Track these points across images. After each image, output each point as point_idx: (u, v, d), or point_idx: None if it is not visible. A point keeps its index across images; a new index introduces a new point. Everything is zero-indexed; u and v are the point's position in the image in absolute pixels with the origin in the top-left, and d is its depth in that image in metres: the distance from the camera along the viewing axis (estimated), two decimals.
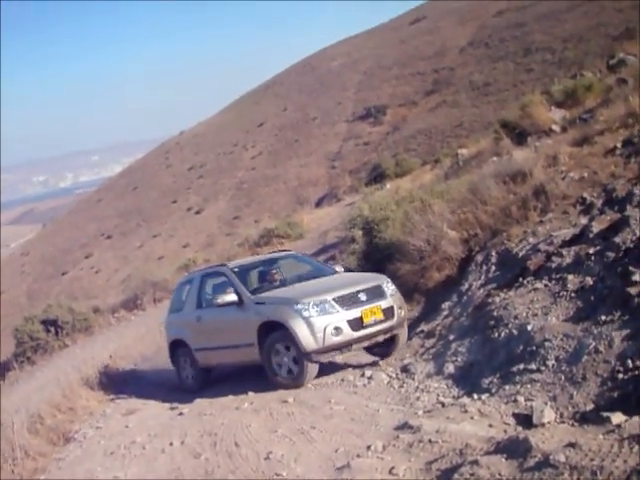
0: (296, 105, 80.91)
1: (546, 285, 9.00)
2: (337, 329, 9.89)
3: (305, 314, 9.87)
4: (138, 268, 42.29)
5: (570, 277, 8.72)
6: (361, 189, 34.26)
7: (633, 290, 7.50)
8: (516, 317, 8.62)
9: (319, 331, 9.81)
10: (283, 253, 13.93)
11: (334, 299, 10.08)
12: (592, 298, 8.04)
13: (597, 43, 46.77)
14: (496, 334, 8.69)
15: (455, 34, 69.33)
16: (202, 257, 33.68)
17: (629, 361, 6.59)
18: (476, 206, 12.41)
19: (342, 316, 9.98)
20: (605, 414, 6.03)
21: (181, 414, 10.53)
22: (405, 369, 9.72)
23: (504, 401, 7.36)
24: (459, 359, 9.02)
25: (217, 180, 73.50)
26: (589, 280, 8.38)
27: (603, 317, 7.48)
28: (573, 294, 8.37)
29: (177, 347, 12.90)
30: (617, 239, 8.68)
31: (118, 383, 14.21)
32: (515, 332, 8.38)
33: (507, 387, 7.62)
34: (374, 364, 10.64)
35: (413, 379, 9.28)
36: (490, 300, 9.59)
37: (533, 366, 7.57)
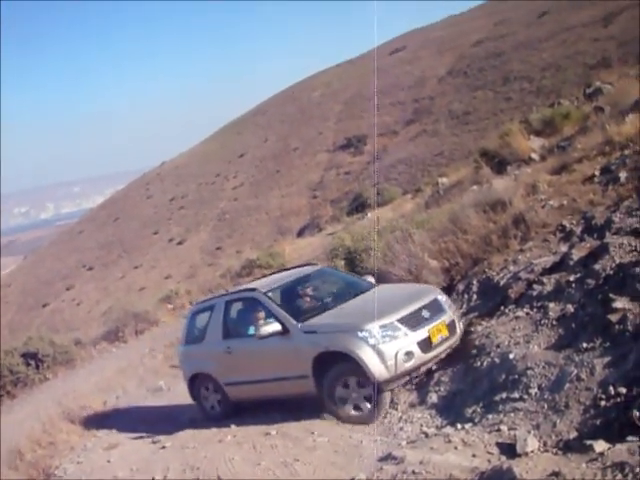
0: (278, 135, 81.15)
1: (527, 313, 9.04)
2: (408, 354, 8.95)
3: (372, 342, 8.89)
4: (119, 299, 42.06)
5: (551, 305, 8.76)
6: (343, 219, 34.37)
7: (614, 317, 7.54)
8: (498, 346, 8.64)
9: (390, 359, 8.84)
10: (311, 268, 12.52)
11: (398, 320, 9.16)
12: (573, 326, 8.07)
13: (574, 72, 47.30)
14: (479, 363, 8.70)
15: (434, 64, 69.93)
16: (184, 288, 33.56)
17: (611, 388, 6.61)
18: (457, 235, 12.46)
19: (411, 339, 9.07)
20: (588, 442, 6.03)
21: (163, 447, 10.42)
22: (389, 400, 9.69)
23: (487, 430, 7.34)
24: (442, 389, 9.01)
25: (199, 211, 73.45)
26: (570, 308, 8.42)
27: (584, 344, 7.51)
28: (554, 322, 8.41)
29: (196, 379, 11.85)
30: (597, 266, 8.74)
31: (100, 417, 14.06)
32: (497, 361, 8.39)
33: (490, 416, 7.61)
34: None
35: (396, 409, 9.24)
36: (472, 329, 9.61)
37: (516, 395, 7.57)
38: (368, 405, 9.11)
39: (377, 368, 8.83)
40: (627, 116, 14.43)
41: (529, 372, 7.67)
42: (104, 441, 12.05)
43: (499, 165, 17.54)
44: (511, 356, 8.18)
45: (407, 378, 9.32)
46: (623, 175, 11.40)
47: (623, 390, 6.46)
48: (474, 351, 9.00)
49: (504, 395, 7.72)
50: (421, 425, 8.40)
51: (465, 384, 8.68)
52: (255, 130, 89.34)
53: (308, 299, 11.09)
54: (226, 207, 70.20)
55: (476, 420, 7.76)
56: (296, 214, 58.47)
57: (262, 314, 10.61)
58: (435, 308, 9.64)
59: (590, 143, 14.11)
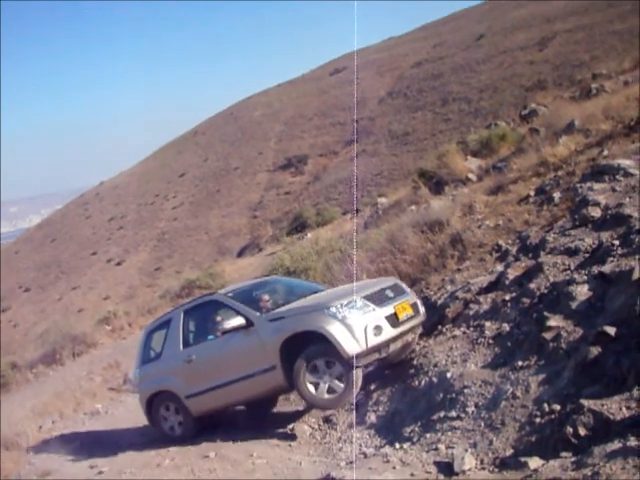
0: (218, 155, 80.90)
1: (464, 332, 9.14)
2: (377, 328, 8.85)
3: (340, 317, 8.80)
4: (57, 321, 41.26)
5: (487, 324, 8.88)
6: (282, 239, 34.33)
7: (548, 335, 7.66)
8: (436, 365, 8.70)
9: (360, 332, 8.72)
10: (269, 278, 12.76)
11: (364, 297, 9.15)
12: (509, 344, 8.18)
13: (511, 93, 48.19)
14: (417, 382, 8.74)
15: (374, 85, 70.47)
16: (123, 309, 33.12)
17: (545, 405, 6.70)
18: (395, 255, 12.55)
19: (378, 314, 9.00)
20: (523, 459, 6.11)
21: (100, 472, 10.20)
22: (327, 420, 9.65)
23: (425, 449, 7.38)
24: (381, 408, 9.02)
25: (138, 231, 72.75)
26: (506, 326, 8.55)
27: (520, 362, 7.62)
28: (491, 340, 8.52)
29: (153, 400, 11.10)
30: (532, 285, 8.89)
31: (35, 442, 13.76)
32: (435, 380, 8.45)
33: (428, 435, 7.65)
34: (296, 416, 10.56)
35: (335, 430, 9.25)
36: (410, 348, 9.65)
37: (453, 413, 7.63)
38: (341, 385, 8.94)
39: (348, 343, 8.70)
40: (561, 138, 14.72)
41: (466, 391, 7.74)
42: (39, 468, 11.73)
43: (437, 185, 17.74)
44: (448, 375, 8.25)
45: (376, 355, 9.07)
46: (557, 195, 11.64)
47: (557, 407, 6.56)
48: (412, 370, 9.04)
49: (442, 414, 7.77)
50: (360, 445, 8.41)
51: (403, 404, 8.72)
52: (195, 150, 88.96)
53: (268, 299, 10.77)
54: (166, 227, 69.67)
55: (414, 439, 7.79)
56: (236, 234, 58.31)
57: (222, 317, 10.39)
58: (397, 290, 9.77)
59: (525, 164, 14.36)
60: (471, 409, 7.48)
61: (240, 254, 48.70)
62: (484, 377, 7.78)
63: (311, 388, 9.09)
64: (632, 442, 5.30)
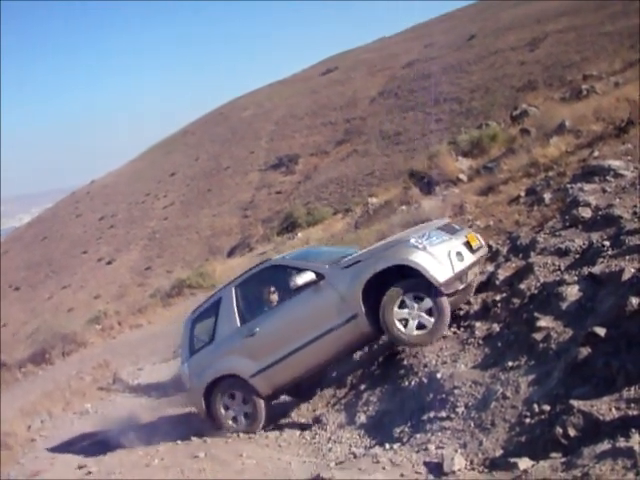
0: (208, 154, 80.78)
1: (455, 333, 9.15)
2: (459, 254, 8.84)
3: (422, 246, 8.71)
4: (47, 320, 41.18)
5: (478, 324, 8.90)
6: (273, 238, 34.33)
7: (538, 336, 7.67)
8: (426, 365, 8.69)
9: (445, 258, 8.68)
10: (307, 247, 12.48)
11: (437, 229, 9.24)
12: (499, 344, 8.19)
13: (502, 94, 48.21)
14: (406, 383, 8.73)
15: (366, 85, 70.51)
16: (113, 308, 33.08)
17: (535, 406, 6.70)
18: None
19: (455, 241, 9.06)
20: (513, 460, 6.10)
21: (89, 473, 10.15)
22: (317, 420, 9.65)
23: (415, 450, 7.37)
24: (371, 409, 9.01)
25: (129, 230, 72.59)
26: (496, 327, 8.57)
27: (510, 363, 7.62)
28: (481, 341, 8.54)
29: (212, 390, 10.21)
30: (522, 286, 8.92)
31: (24, 442, 13.71)
32: (425, 380, 8.44)
33: (418, 436, 7.64)
34: (286, 415, 10.56)
35: (325, 430, 9.22)
36: (400, 348, 9.65)
37: (443, 414, 7.62)
38: (431, 319, 8.82)
39: (436, 270, 8.61)
40: (551, 138, 14.78)
41: (456, 391, 7.74)
42: (27, 468, 11.72)
43: (428, 186, 17.79)
44: (438, 375, 8.24)
45: (458, 285, 8.91)
46: (547, 196, 11.68)
47: (547, 407, 6.55)
48: (402, 371, 9.02)
49: (432, 414, 7.76)
50: (350, 446, 8.40)
51: (393, 404, 8.71)
52: (186, 149, 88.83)
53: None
54: (156, 226, 69.53)
55: (404, 440, 7.78)
56: (227, 233, 58.20)
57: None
58: (457, 226, 9.92)
59: (516, 165, 14.42)
60: (461, 409, 7.48)
61: (231, 253, 48.64)
62: (474, 377, 7.78)
63: (400, 326, 8.89)
64: (621, 443, 5.29)
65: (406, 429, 7.99)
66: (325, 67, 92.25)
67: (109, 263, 67.60)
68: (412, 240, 8.83)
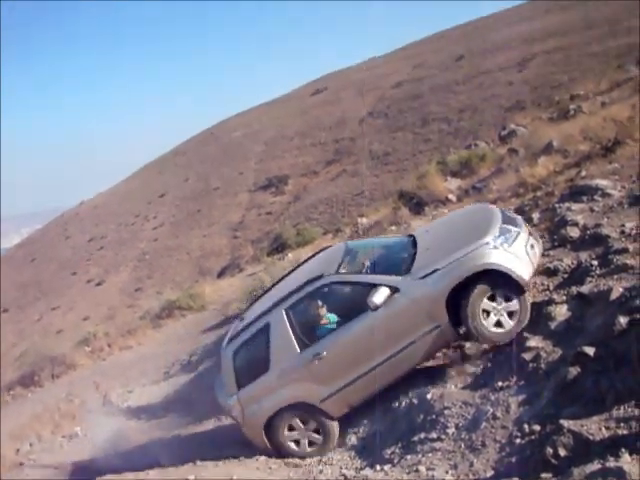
0: (198, 175, 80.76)
1: (444, 353, 9.14)
2: (532, 246, 8.76)
3: (500, 246, 8.47)
4: (36, 342, 41.09)
5: (467, 344, 8.89)
6: (263, 259, 34.26)
7: (527, 355, 7.70)
8: (416, 386, 8.69)
9: (524, 256, 8.52)
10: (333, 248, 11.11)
11: (504, 223, 8.97)
12: (489, 365, 8.19)
13: (491, 114, 48.40)
14: (397, 404, 8.73)
15: (355, 105, 70.65)
16: (103, 330, 32.93)
17: (525, 426, 6.72)
18: None
19: (524, 233, 8.91)
20: None
21: None
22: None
23: (406, 471, 7.36)
24: (361, 430, 9.00)
25: (118, 251, 72.36)
26: (486, 347, 8.56)
27: (500, 383, 7.64)
28: (471, 361, 8.53)
29: (273, 421, 9.46)
30: None
31: (12, 466, 13.61)
32: (415, 401, 8.45)
33: (409, 457, 7.63)
34: None
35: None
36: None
37: (434, 435, 7.62)
38: (511, 322, 8.43)
39: (520, 268, 8.41)
40: (539, 158, 14.85)
41: (446, 412, 7.75)
42: None
43: (417, 206, 17.81)
44: (429, 396, 8.25)
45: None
46: (536, 216, 11.72)
47: (537, 427, 6.57)
48: (392, 392, 9.02)
49: (422, 435, 7.77)
50: (340, 467, 8.38)
51: (384, 425, 8.69)
52: (175, 170, 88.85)
53: (373, 265, 9.79)
54: (146, 247, 69.35)
55: (395, 461, 7.77)
56: (217, 254, 58.06)
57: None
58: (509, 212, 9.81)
59: (504, 184, 14.48)
60: (451, 430, 7.48)
61: (221, 274, 48.49)
62: (464, 398, 7.80)
63: (482, 319, 8.44)
64: (611, 463, 5.30)
65: (397, 450, 7.98)
66: (315, 87, 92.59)
67: (99, 284, 67.34)
68: (490, 241, 8.54)
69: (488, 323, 8.42)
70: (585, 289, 8.15)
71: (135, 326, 28.03)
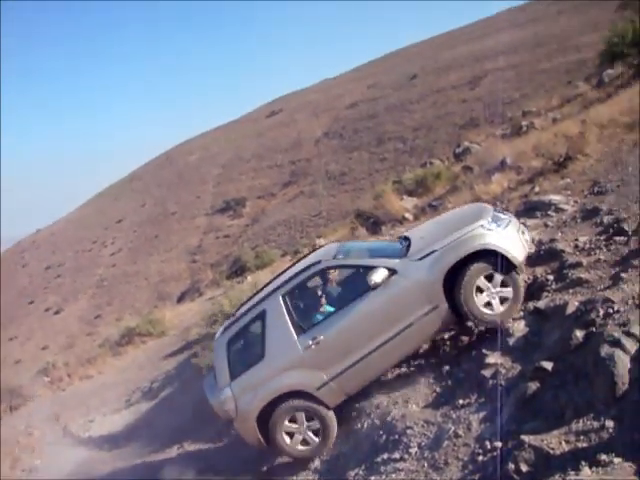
0: (155, 200, 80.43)
1: (405, 372, 9.15)
2: (523, 231, 9.02)
3: (497, 230, 8.63)
4: None
5: (428, 363, 8.92)
6: (222, 283, 34.09)
7: (487, 372, 7.74)
8: (378, 406, 8.69)
9: (517, 237, 8.76)
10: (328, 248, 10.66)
11: (495, 211, 9.29)
12: (450, 383, 8.22)
13: (445, 131, 48.91)
14: (359, 425, 8.71)
15: (310, 126, 70.98)
16: (62, 359, 32.50)
17: (487, 443, 6.73)
18: None
19: (514, 218, 9.28)
20: None
21: None
22: (269, 471, 9.56)
23: None
24: (325, 452, 8.95)
25: (76, 279, 71.64)
26: (446, 366, 8.59)
27: (461, 401, 7.67)
28: (431, 380, 8.55)
29: (264, 415, 9.07)
30: (469, 323, 8.97)
31: None
32: (377, 422, 8.43)
33: (373, 478, 7.61)
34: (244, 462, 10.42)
35: (280, 476, 9.14)
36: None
37: (397, 455, 7.61)
38: (501, 308, 8.51)
39: (515, 249, 8.56)
40: (493, 175, 15.01)
41: (409, 431, 7.74)
42: None
43: (374, 225, 17.89)
44: (391, 416, 8.24)
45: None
46: None
47: (499, 444, 6.59)
48: (354, 413, 9.01)
49: (385, 456, 7.75)
50: None
51: (347, 447, 8.67)
52: (132, 195, 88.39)
53: (370, 252, 9.88)
54: (104, 274, 68.75)
55: None
56: (176, 279, 57.74)
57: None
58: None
59: (460, 202, 14.59)
60: (414, 450, 7.47)
61: (180, 299, 48.21)
62: (426, 417, 7.80)
63: (476, 298, 8.47)
64: (572, 476, 5.35)
65: (360, 472, 7.95)
66: (270, 109, 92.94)
67: (57, 313, 66.55)
68: (485, 224, 8.68)
69: (479, 300, 8.47)
70: (541, 304, 8.23)
71: (95, 354, 27.73)
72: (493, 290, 8.53)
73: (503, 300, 8.55)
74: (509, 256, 8.40)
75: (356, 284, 9.07)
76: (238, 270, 36.96)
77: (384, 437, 8.06)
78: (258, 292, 10.26)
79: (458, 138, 38.48)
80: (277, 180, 64.34)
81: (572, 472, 5.43)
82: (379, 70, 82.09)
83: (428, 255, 8.67)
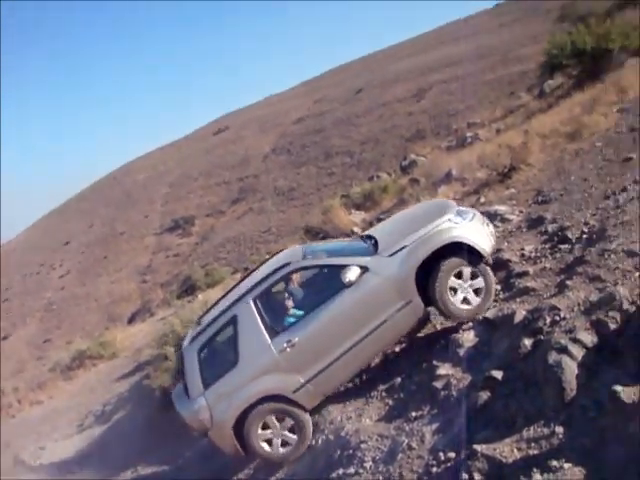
0: (103, 220, 79.66)
1: (358, 387, 9.17)
2: (488, 224, 9.34)
3: (464, 224, 8.81)
4: None
5: (379, 377, 8.94)
6: (173, 302, 33.88)
7: (438, 384, 7.79)
8: (331, 422, 8.68)
9: (485, 230, 9.05)
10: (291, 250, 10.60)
11: (458, 207, 9.45)
12: (402, 395, 8.26)
13: (392, 144, 49.22)
14: (313, 441, 8.69)
15: (258, 142, 70.99)
16: (11, 385, 31.93)
17: (441, 454, 6.75)
18: None
19: (478, 213, 9.49)
20: None
21: None
22: None
23: None
24: (280, 471, 8.90)
25: (24, 302, 70.51)
26: (398, 378, 8.62)
27: (413, 413, 7.69)
28: (384, 393, 8.58)
29: (244, 420, 8.85)
30: (420, 335, 9.03)
31: None
32: (332, 437, 8.42)
33: None
34: None
35: None
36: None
37: (351, 470, 7.59)
38: (477, 299, 8.70)
39: (483, 241, 8.78)
40: (439, 187, 15.16)
41: (363, 446, 7.73)
42: None
43: (323, 240, 17.91)
44: (344, 431, 8.23)
45: None
46: None
47: (452, 455, 6.62)
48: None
49: (340, 471, 7.72)
50: None
51: (302, 464, 8.63)
52: (80, 216, 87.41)
53: (338, 252, 9.77)
54: (53, 297, 67.80)
55: None
56: (126, 300, 57.15)
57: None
58: None
59: None
60: (369, 464, 7.46)
61: (131, 320, 47.74)
62: (380, 431, 7.80)
63: (450, 295, 8.61)
64: None
65: None
66: (217, 127, 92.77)
67: (5, 338, 65.37)
68: (452, 218, 8.84)
69: (456, 300, 8.62)
70: (490, 314, 8.32)
71: (45, 379, 27.31)
72: (465, 285, 8.70)
73: (477, 291, 8.74)
74: (478, 248, 8.62)
75: (328, 284, 9.02)
76: (189, 289, 36.77)
77: (338, 452, 8.03)
78: (223, 298, 10.11)
79: (405, 151, 38.80)
80: (226, 197, 64.15)
81: (524, 479, 5.48)
82: (325, 84, 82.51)
83: (399, 251, 8.74)
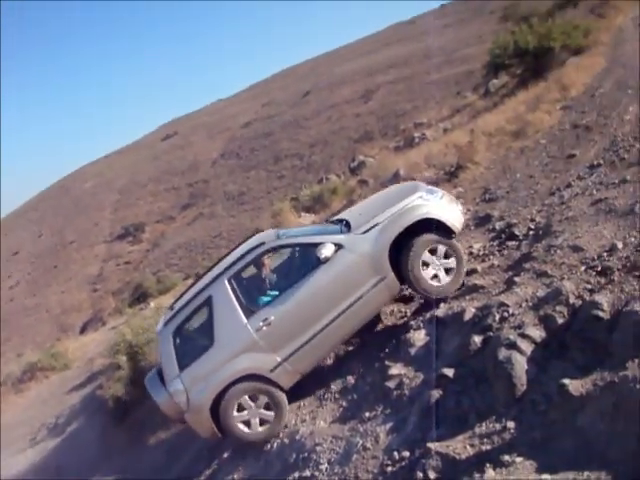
0: (52, 229, 78.71)
1: (311, 388, 9.16)
2: (457, 203, 9.54)
3: (435, 201, 9.02)
4: None
5: (332, 378, 8.95)
6: (125, 310, 33.60)
7: (391, 383, 7.81)
8: (286, 425, 8.67)
9: (455, 206, 9.28)
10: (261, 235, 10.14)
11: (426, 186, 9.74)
12: (355, 396, 8.27)
13: (340, 146, 49.41)
14: (268, 445, 8.67)
15: (206, 147, 70.77)
16: None
17: (395, 453, 6.78)
18: None
19: (447, 194, 9.63)
20: None
21: None
22: None
23: None
24: (235, 477, 8.86)
25: None
26: (350, 379, 8.64)
27: (367, 414, 7.70)
28: (337, 395, 8.58)
29: (220, 402, 8.72)
30: (371, 335, 9.06)
31: None
32: (287, 441, 8.40)
33: None
34: None
35: None
36: None
37: (307, 473, 7.59)
38: (447, 278, 8.83)
39: (453, 217, 8.99)
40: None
41: (318, 448, 7.73)
42: None
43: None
44: (299, 434, 8.23)
45: None
46: None
47: (406, 453, 6.65)
48: None
49: (296, 475, 7.72)
50: None
51: (258, 469, 8.59)
52: (28, 226, 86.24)
53: (313, 232, 9.82)
54: (2, 309, 66.81)
55: None
56: (77, 310, 56.54)
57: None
58: None
59: None
60: (324, 466, 7.46)
61: (83, 330, 47.26)
62: (334, 432, 7.81)
63: (422, 271, 8.68)
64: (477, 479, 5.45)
65: None
66: (164, 133, 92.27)
67: None
68: (423, 196, 9.04)
69: (426, 274, 8.73)
70: (440, 312, 8.37)
71: None
72: (438, 262, 8.82)
73: (448, 271, 8.87)
74: (449, 224, 8.85)
75: (303, 262, 9.15)
76: (140, 296, 36.54)
77: (294, 456, 8.03)
78: (197, 281, 9.83)
79: (353, 152, 38.96)
80: (176, 203, 63.85)
81: (477, 475, 5.53)
82: (273, 88, 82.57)
83: (372, 228, 8.87)
